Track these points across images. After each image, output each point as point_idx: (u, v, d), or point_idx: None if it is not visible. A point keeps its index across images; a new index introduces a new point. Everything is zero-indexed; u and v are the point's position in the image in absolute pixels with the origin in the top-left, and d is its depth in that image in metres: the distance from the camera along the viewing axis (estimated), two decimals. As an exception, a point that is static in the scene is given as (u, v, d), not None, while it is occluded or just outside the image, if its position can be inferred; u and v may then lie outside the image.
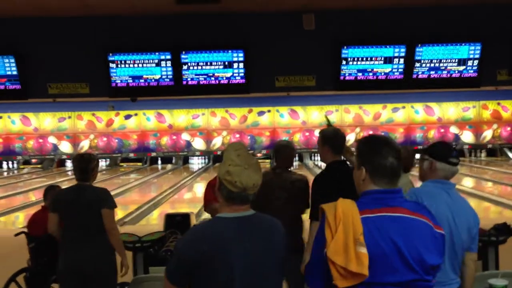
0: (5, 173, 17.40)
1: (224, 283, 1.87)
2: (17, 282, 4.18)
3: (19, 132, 17.95)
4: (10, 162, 18.10)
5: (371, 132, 17.72)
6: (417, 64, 5.69)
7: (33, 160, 18.13)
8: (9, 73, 5.66)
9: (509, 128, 17.78)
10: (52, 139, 18.00)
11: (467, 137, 17.90)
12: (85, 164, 3.51)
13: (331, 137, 3.44)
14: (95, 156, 3.66)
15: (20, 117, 17.86)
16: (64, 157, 18.10)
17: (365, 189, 1.86)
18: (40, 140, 17.97)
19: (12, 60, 5.61)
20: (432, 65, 5.70)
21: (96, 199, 3.45)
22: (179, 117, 18.00)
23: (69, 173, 16.99)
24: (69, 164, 18.16)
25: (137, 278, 3.13)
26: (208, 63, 5.69)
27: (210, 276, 1.87)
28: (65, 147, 18.04)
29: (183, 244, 1.94)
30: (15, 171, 17.72)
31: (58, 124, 17.97)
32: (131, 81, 5.74)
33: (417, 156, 3.54)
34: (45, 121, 17.97)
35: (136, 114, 17.98)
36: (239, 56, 5.66)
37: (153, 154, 18.09)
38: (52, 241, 4.08)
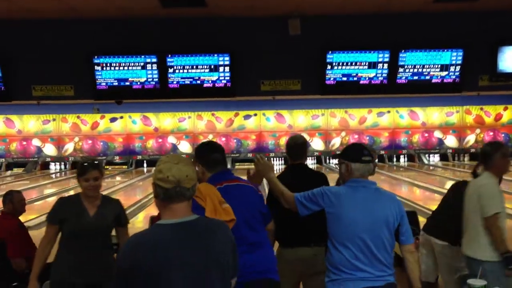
0: (-12, 176, 17.15)
1: None
2: None
3: (2, 134, 17.71)
4: (-8, 165, 17.84)
5: (356, 136, 17.86)
6: (401, 69, 5.78)
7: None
8: (-8, 74, 5.61)
9: (491, 133, 18.05)
10: (36, 142, 17.80)
11: (451, 141, 18.12)
12: None
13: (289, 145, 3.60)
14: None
15: (3, 119, 17.63)
16: (48, 159, 17.91)
17: (207, 178, 2.74)
18: (24, 143, 17.76)
19: (-4, 62, 5.56)
20: (415, 70, 5.79)
21: None
22: (165, 120, 17.93)
23: (53, 176, 16.81)
24: (52, 166, 17.96)
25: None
26: (194, 67, 5.70)
27: (156, 286, 1.79)
28: (49, 149, 17.85)
29: (120, 255, 1.88)
30: (-2, 174, 17.48)
31: (43, 126, 17.78)
32: (116, 83, 5.73)
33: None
34: (29, 123, 17.76)
35: (121, 117, 17.87)
36: (225, 60, 5.69)
37: (139, 157, 17.98)
38: (2, 246, 4.03)
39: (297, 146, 3.46)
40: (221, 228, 1.99)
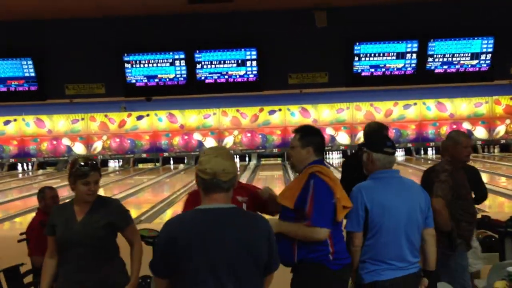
0: (20, 175, 17.62)
1: (198, 274, 1.89)
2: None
3: (33, 134, 18.15)
4: (25, 164, 18.32)
5: (382, 129, 17.66)
6: (430, 59, 5.71)
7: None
8: (27, 74, 5.77)
9: (522, 123, 17.63)
10: (66, 141, 18.19)
11: (480, 132, 17.76)
12: None
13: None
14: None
15: (34, 119, 18.06)
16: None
17: (309, 161, 2.68)
18: (54, 142, 18.17)
19: (30, 62, 5.72)
20: (445, 59, 5.71)
21: None
22: (191, 117, 18.08)
23: (83, 174, 17.12)
24: (82, 165, 18.29)
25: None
26: (222, 62, 5.76)
27: (186, 266, 1.90)
28: (79, 148, 18.22)
29: (160, 235, 2.02)
30: (30, 173, 17.94)
31: (72, 126, 18.15)
32: (146, 80, 5.83)
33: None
34: (59, 123, 18.16)
35: (148, 115, 18.09)
36: (252, 54, 5.72)
37: (166, 154, 18.19)
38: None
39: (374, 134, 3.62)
40: (257, 220, 2.04)
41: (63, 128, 18.16)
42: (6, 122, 18.06)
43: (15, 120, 18.02)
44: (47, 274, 2.85)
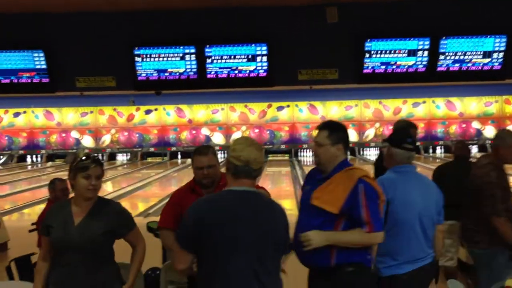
0: (29, 167, 17.76)
1: (222, 248, 2.04)
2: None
3: (42, 126, 18.27)
4: (34, 156, 18.45)
5: (390, 128, 17.60)
6: (442, 57, 5.67)
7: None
8: (38, 66, 5.80)
9: (532, 123, 17.49)
10: (74, 134, 18.30)
11: (490, 132, 17.63)
12: None
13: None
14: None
15: (43, 111, 18.18)
16: (86, 151, 18.38)
17: (342, 158, 2.56)
18: (63, 135, 18.29)
19: (41, 54, 5.75)
20: (457, 57, 5.67)
21: None
22: (199, 112, 18.11)
23: (91, 167, 17.22)
24: (91, 158, 18.40)
25: (168, 263, 3.22)
26: (232, 57, 5.75)
27: (211, 241, 2.06)
28: (87, 141, 18.32)
29: (190, 210, 2.16)
30: (39, 165, 18.07)
31: (81, 119, 18.25)
32: (156, 74, 5.84)
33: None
34: (68, 116, 18.26)
35: (156, 109, 18.14)
36: (262, 49, 5.72)
37: (173, 148, 18.24)
38: None
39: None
40: (277, 207, 2.24)
41: (72, 121, 18.27)
42: (16, 114, 18.20)
43: (24, 112, 18.15)
44: (40, 278, 2.71)
